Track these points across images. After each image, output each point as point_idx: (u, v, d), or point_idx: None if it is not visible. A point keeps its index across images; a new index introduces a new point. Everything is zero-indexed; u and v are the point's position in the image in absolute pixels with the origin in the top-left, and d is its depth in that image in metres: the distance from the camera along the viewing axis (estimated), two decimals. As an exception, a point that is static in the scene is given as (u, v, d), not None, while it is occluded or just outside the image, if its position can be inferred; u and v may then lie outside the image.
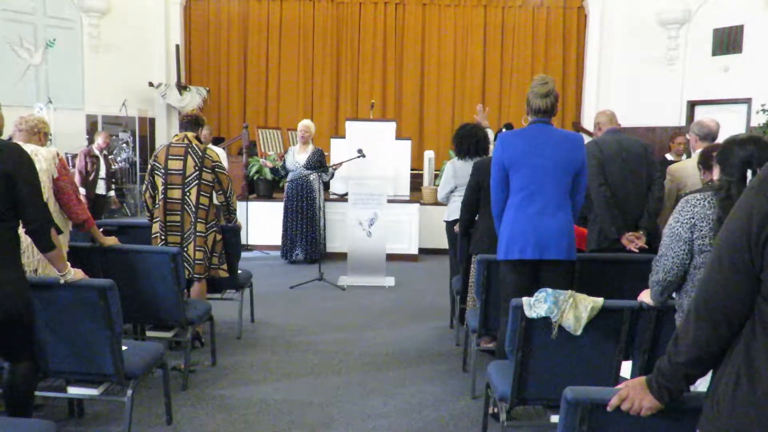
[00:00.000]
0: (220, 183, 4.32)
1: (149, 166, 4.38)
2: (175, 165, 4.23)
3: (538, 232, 3.16)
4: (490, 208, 3.46)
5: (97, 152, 7.53)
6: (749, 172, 2.09)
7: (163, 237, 4.24)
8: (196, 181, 4.23)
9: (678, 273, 2.28)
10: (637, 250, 3.78)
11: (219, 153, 7.32)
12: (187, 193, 4.23)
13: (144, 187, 4.44)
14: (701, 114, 9.84)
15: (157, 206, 4.29)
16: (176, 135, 4.41)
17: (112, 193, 7.97)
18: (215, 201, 4.41)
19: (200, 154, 4.25)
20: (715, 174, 2.26)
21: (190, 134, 4.32)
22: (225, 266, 4.45)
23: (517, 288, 3.17)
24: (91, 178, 7.39)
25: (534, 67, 11.82)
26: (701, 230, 2.20)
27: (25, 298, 2.59)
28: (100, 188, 7.63)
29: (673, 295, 2.42)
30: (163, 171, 4.24)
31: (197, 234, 4.23)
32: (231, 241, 4.61)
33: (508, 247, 3.23)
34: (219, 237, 4.39)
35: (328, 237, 7.83)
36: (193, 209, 4.23)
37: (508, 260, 3.25)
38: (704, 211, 2.20)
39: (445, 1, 11.88)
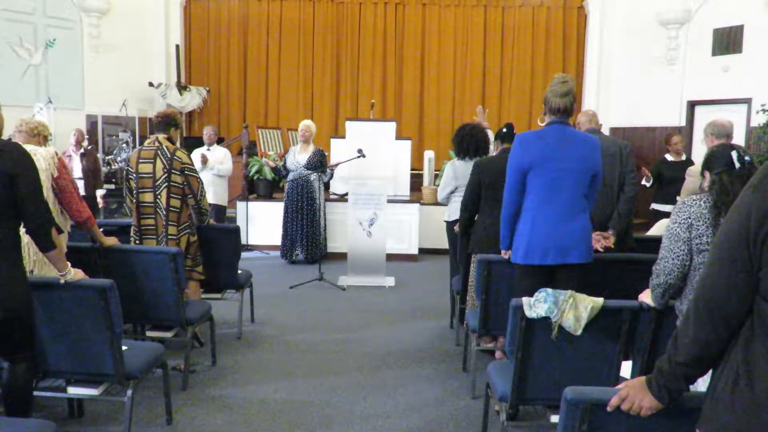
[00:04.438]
0: (190, 186, 4.28)
1: (125, 172, 4.37)
2: (146, 168, 4.22)
3: (560, 237, 3.12)
4: (491, 208, 3.44)
5: (71, 152, 7.15)
6: (734, 155, 2.24)
7: (137, 241, 4.23)
8: (166, 184, 4.20)
9: (679, 274, 2.29)
10: (602, 250, 3.77)
11: (223, 153, 7.32)
12: (158, 196, 4.21)
13: (124, 194, 4.45)
14: (701, 114, 9.84)
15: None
16: (149, 138, 4.39)
17: (98, 192, 7.36)
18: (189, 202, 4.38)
19: (169, 156, 4.21)
20: (706, 182, 2.37)
21: (161, 136, 4.28)
22: (200, 268, 4.40)
23: (533, 291, 3.14)
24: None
25: (534, 68, 11.82)
26: (698, 229, 2.23)
27: (26, 297, 2.59)
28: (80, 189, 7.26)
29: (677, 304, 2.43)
30: (135, 175, 4.25)
31: (169, 237, 4.20)
32: (231, 241, 4.62)
33: (527, 251, 3.17)
34: (193, 239, 4.36)
35: (329, 237, 7.83)
36: (164, 212, 4.21)
37: (527, 264, 3.20)
38: (700, 211, 2.24)
39: (445, 1, 11.87)
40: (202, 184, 4.41)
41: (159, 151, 4.22)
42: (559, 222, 3.12)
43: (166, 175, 4.20)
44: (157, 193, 4.21)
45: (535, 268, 3.19)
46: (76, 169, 7.15)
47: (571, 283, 3.00)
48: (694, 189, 3.80)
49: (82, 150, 7.30)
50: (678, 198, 4.12)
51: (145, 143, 4.36)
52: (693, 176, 3.82)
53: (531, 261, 3.17)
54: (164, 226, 4.20)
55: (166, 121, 4.35)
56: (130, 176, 4.30)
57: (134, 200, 4.26)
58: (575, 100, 3.20)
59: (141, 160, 4.24)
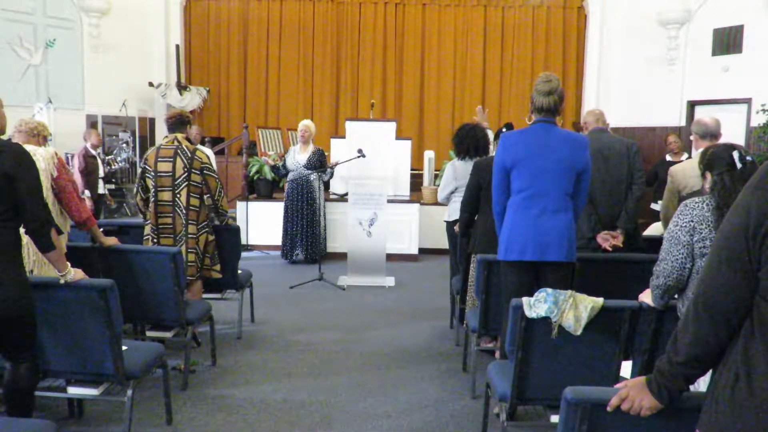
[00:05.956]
0: (208, 185, 4.30)
1: (140, 170, 4.38)
2: (165, 167, 4.22)
3: (538, 234, 3.14)
4: (490, 208, 3.45)
5: (93, 152, 7.46)
6: (735, 155, 2.21)
7: (155, 240, 4.24)
8: (186, 183, 4.22)
9: (678, 277, 2.27)
10: (611, 249, 3.76)
11: (207, 153, 7.38)
12: (178, 195, 4.22)
13: (135, 190, 4.44)
14: (701, 114, 9.83)
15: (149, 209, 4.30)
16: (166, 137, 4.39)
17: (105, 191, 7.97)
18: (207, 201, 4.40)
19: (189, 155, 4.23)
20: (707, 183, 2.35)
21: (179, 135, 4.30)
22: (218, 267, 4.44)
23: (518, 288, 3.16)
24: (92, 178, 7.34)
25: (534, 67, 11.80)
26: (701, 233, 2.20)
27: (27, 298, 2.59)
28: (100, 188, 7.61)
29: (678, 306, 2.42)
30: (153, 173, 4.24)
31: (189, 236, 4.23)
32: (231, 241, 4.61)
33: (507, 247, 3.21)
34: (211, 238, 4.38)
35: (329, 237, 7.83)
36: (184, 211, 4.22)
37: (507, 261, 3.24)
38: (703, 214, 2.21)
39: (445, 1, 11.87)
40: (221, 184, 4.43)
41: (179, 150, 4.23)
42: (539, 219, 3.14)
43: (186, 174, 4.21)
44: (176, 192, 4.22)
45: (517, 265, 3.21)
46: (101, 169, 7.69)
47: (553, 282, 3.01)
48: (674, 189, 3.77)
49: (99, 151, 7.60)
50: (660, 201, 4.08)
51: (163, 142, 4.35)
52: (672, 176, 3.80)
53: (510, 257, 3.21)
54: (183, 225, 4.21)
55: (180, 120, 4.36)
56: (147, 174, 4.28)
57: (152, 199, 4.24)
58: (561, 99, 3.18)
59: (160, 159, 4.23)
